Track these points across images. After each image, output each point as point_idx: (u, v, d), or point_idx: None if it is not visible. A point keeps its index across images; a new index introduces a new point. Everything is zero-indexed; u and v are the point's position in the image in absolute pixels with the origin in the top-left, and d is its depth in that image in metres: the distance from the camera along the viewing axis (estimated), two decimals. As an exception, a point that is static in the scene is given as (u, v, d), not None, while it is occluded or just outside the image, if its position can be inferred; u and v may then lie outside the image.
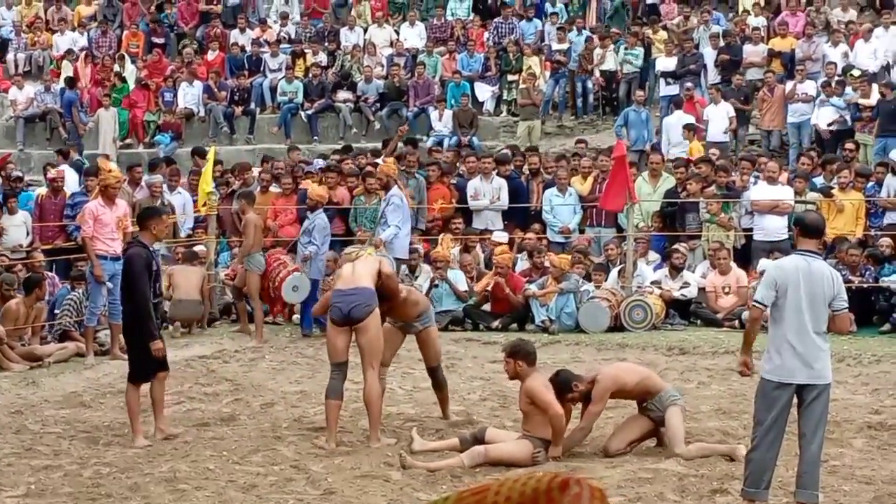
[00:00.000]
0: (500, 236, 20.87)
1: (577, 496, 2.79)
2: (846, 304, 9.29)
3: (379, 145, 25.98)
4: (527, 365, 11.05)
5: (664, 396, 11.20)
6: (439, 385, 12.59)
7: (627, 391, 11.32)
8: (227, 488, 10.04)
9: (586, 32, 29.04)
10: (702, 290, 19.32)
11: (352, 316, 11.31)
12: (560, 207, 21.38)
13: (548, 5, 30.82)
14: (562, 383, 10.98)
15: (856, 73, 25.07)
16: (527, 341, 11.75)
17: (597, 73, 28.27)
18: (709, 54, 27.29)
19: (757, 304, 9.26)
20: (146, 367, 11.89)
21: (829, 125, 24.19)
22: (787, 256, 9.91)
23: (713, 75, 27.04)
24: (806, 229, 9.39)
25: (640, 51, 27.83)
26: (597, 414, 11.22)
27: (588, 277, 19.38)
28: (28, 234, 20.42)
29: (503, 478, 3.04)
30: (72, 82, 30.01)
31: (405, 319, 12.31)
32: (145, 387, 11.99)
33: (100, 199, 16.31)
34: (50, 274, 18.85)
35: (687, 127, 24.10)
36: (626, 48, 27.89)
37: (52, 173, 21.63)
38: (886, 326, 18.06)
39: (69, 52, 31.80)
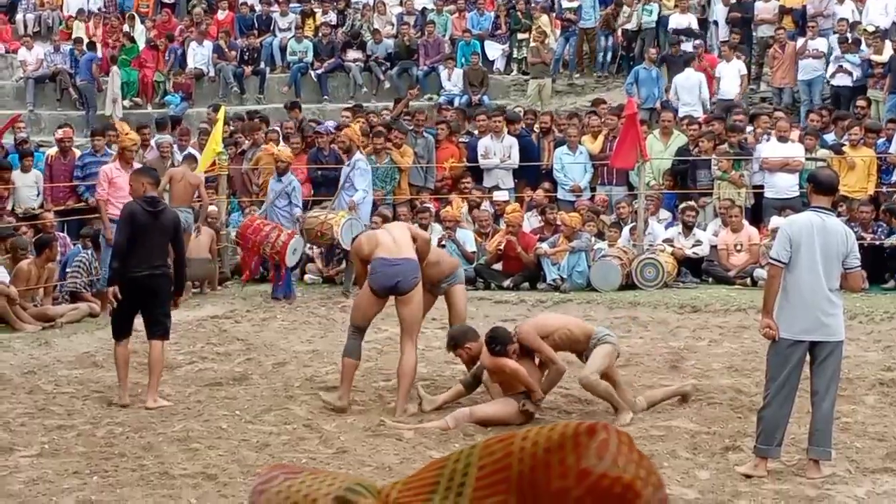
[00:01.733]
0: (501, 195, 20.82)
1: (605, 441, 2.78)
2: (859, 262, 9.26)
3: (390, 104, 25.96)
4: (475, 344, 11.10)
5: (594, 339, 11.14)
6: None
7: (553, 339, 11.13)
8: (239, 447, 10.07)
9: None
10: (713, 247, 19.29)
11: (399, 288, 11.13)
12: (571, 166, 21.34)
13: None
14: (502, 338, 10.91)
15: (869, 28, 24.93)
16: (456, 328, 11.83)
17: (619, 32, 28.17)
18: (720, 11, 27.16)
19: (774, 262, 9.22)
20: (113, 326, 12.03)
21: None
22: (800, 213, 9.88)
23: (724, 32, 26.91)
24: (820, 186, 9.36)
25: (654, 6, 27.68)
26: (550, 356, 11.06)
27: (601, 236, 19.36)
28: (39, 193, 20.41)
29: (530, 427, 3.02)
30: (90, 44, 29.96)
31: (430, 281, 12.11)
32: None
33: (116, 161, 16.36)
34: (61, 234, 18.83)
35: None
36: (641, 4, 27.76)
37: (59, 133, 21.58)
38: (891, 283, 18.03)
39: (80, 12, 31.73)
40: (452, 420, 10.66)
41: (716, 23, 27.23)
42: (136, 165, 16.06)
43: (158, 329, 11.88)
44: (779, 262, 9.15)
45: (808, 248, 9.03)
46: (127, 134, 16.47)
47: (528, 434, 2.96)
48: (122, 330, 11.89)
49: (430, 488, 2.95)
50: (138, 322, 12.07)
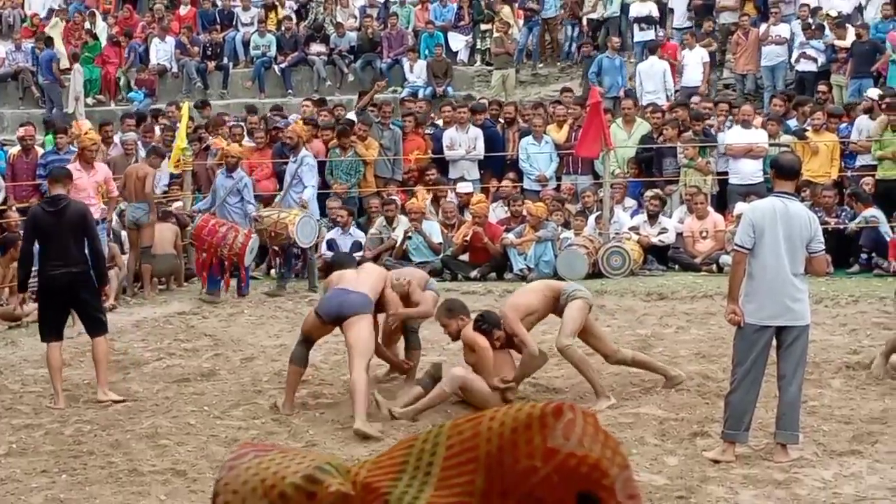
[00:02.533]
0: (465, 186, 20.80)
1: (571, 421, 2.80)
2: (823, 247, 9.30)
3: (354, 98, 25.92)
4: (466, 322, 11.10)
5: (563, 295, 11.22)
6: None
7: (539, 308, 11.25)
8: (208, 443, 10.06)
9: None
10: (679, 235, 19.36)
11: (342, 313, 10.76)
12: (536, 156, 21.36)
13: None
14: (492, 320, 10.95)
15: (832, 13, 25.04)
16: (453, 298, 11.88)
17: (584, 21, 28.20)
18: (681, -1, 27.27)
19: (738, 248, 9.25)
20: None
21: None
22: (763, 199, 9.91)
23: (682, 20, 27.01)
24: (782, 171, 9.39)
25: (615, -4, 27.74)
26: (526, 340, 11.12)
27: (567, 225, 19.39)
28: (1, 191, 20.32)
29: (496, 408, 3.04)
30: (48, 39, 29.80)
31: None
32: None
33: (77, 162, 15.91)
34: (25, 233, 18.74)
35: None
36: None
37: (21, 131, 21.47)
38: (855, 268, 18.15)
39: (52, 11, 31.59)
40: (448, 385, 10.73)
41: (672, 10, 27.26)
42: (100, 167, 15.94)
43: (94, 325, 11.87)
44: (743, 248, 9.18)
45: (772, 233, 9.06)
46: (86, 133, 16.17)
47: (495, 414, 2.98)
48: (49, 332, 11.80)
49: (398, 467, 2.97)
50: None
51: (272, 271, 19.31)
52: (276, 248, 18.23)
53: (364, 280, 11.24)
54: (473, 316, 11.27)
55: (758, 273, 9.11)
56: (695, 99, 23.13)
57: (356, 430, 10.20)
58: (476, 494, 2.84)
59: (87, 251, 11.73)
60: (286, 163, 20.92)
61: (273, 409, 11.18)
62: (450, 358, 12.88)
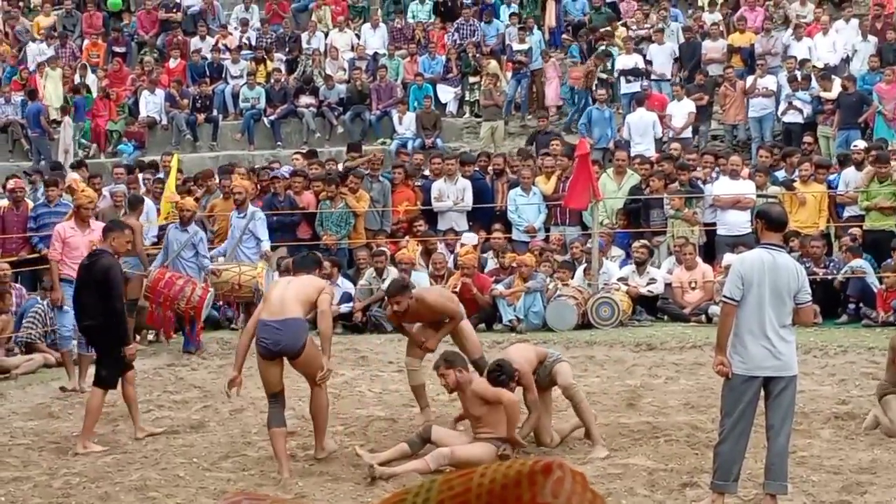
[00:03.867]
0: (470, 238, 20.80)
1: (560, 480, 2.83)
2: (810, 297, 9.35)
3: (343, 149, 25.99)
4: (465, 373, 11.08)
5: (550, 359, 11.49)
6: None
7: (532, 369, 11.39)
8: (197, 495, 10.05)
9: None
10: (668, 285, 19.40)
11: (283, 353, 10.82)
12: (525, 207, 21.43)
13: (503, 7, 30.78)
14: (501, 373, 10.96)
15: (818, 65, 25.23)
16: (452, 351, 11.90)
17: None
18: (655, 49, 27.36)
19: (727, 300, 9.29)
20: (116, 372, 12.16)
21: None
22: (751, 250, 9.95)
23: (665, 71, 27.17)
24: (770, 222, 9.43)
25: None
26: (537, 400, 11.22)
27: (552, 275, 19.41)
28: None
29: (488, 465, 3.08)
30: (31, 92, 29.86)
31: (425, 321, 12.50)
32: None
33: (72, 220, 15.43)
34: (16, 286, 18.75)
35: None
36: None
37: (10, 184, 21.49)
38: (843, 318, 18.20)
39: (41, 65, 31.63)
40: (433, 461, 10.60)
41: (650, 62, 27.39)
42: (96, 225, 15.36)
43: (95, 376, 12.44)
44: (731, 300, 9.22)
45: (760, 285, 9.10)
46: (83, 191, 15.84)
47: (486, 471, 3.00)
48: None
49: (390, 520, 2.98)
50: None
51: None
52: (236, 303, 18.27)
53: (290, 301, 10.95)
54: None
55: (745, 324, 9.15)
56: (674, 145, 23.28)
57: (318, 457, 10.94)
58: (465, 551, 2.86)
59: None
60: (277, 214, 21.01)
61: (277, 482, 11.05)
62: (439, 409, 12.90)
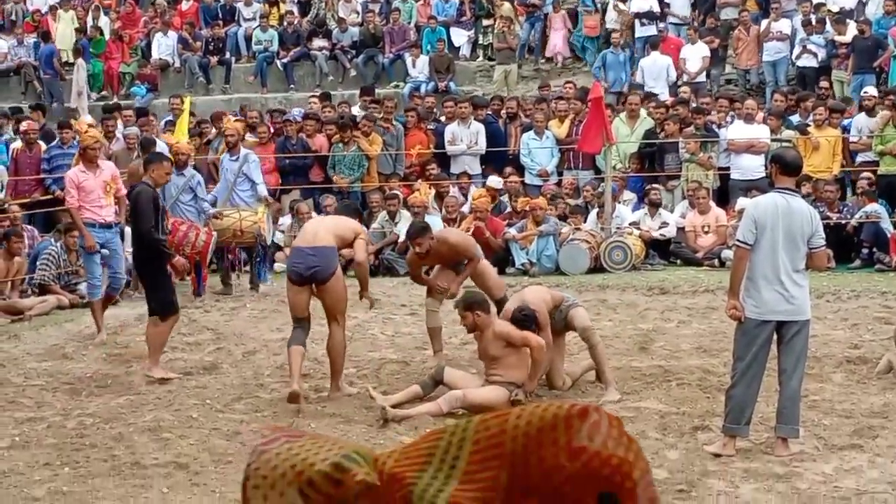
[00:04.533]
0: (495, 181, 20.73)
1: (596, 424, 2.82)
2: (824, 242, 9.32)
3: (356, 92, 25.91)
4: (484, 313, 11.07)
5: (564, 306, 11.50)
6: None
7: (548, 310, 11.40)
8: (210, 436, 10.08)
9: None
10: (681, 229, 19.37)
11: (314, 278, 11.13)
12: (538, 151, 21.38)
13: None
14: (527, 319, 10.96)
15: (833, 9, 25.06)
16: (477, 292, 11.88)
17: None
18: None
19: (740, 244, 9.27)
20: (164, 301, 12.32)
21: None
22: (765, 194, 9.92)
23: (681, 14, 26.99)
24: (785, 166, 9.38)
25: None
26: (551, 342, 11.22)
27: (564, 219, 19.40)
28: (2, 188, 20.35)
29: (523, 406, 3.08)
30: (44, 34, 29.80)
31: (446, 263, 12.55)
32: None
33: (80, 164, 15.07)
34: (29, 227, 18.79)
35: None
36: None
37: (24, 126, 21.48)
38: (857, 263, 18.17)
39: (53, 7, 31.55)
40: (445, 403, 10.59)
41: (668, 5, 27.20)
42: (106, 165, 15.30)
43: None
44: (745, 244, 9.20)
45: (773, 229, 9.08)
46: (86, 132, 15.48)
47: (522, 413, 3.00)
48: None
49: (424, 459, 2.98)
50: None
51: (276, 265, 19.21)
52: (238, 248, 18.14)
53: (323, 231, 11.39)
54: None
55: (758, 268, 9.13)
56: (683, 89, 23.20)
57: (331, 397, 11.17)
58: (499, 490, 2.87)
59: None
60: (290, 157, 20.97)
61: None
62: (451, 352, 12.93)
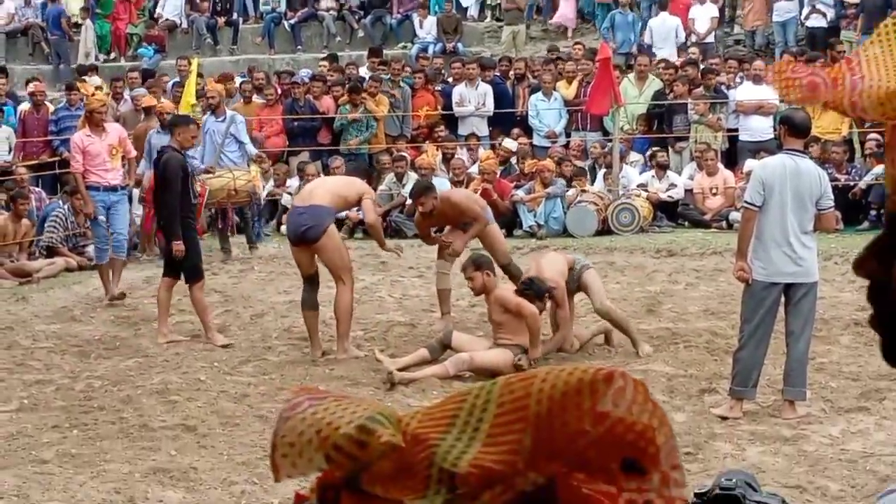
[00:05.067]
0: (510, 144, 20.69)
1: (622, 389, 2.82)
2: (832, 203, 9.32)
3: (364, 54, 25.84)
4: (492, 277, 11.09)
5: (576, 268, 11.48)
6: (514, 279, 12.25)
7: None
8: (218, 399, 10.11)
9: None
10: (689, 191, 19.33)
11: (306, 237, 11.30)
12: (545, 112, 21.33)
13: None
14: (538, 291, 10.95)
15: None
16: (484, 253, 11.87)
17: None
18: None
19: (748, 206, 9.27)
20: (191, 266, 12.41)
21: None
22: (773, 156, 9.90)
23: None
24: (794, 128, 9.35)
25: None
26: (567, 317, 11.27)
27: (570, 181, 19.34)
28: (10, 150, 20.34)
29: (548, 369, 3.08)
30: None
31: (453, 223, 12.59)
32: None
33: (86, 127, 14.68)
34: (36, 189, 18.79)
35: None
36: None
37: (31, 87, 21.45)
38: (865, 225, 18.12)
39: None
40: (452, 366, 10.60)
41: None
42: (112, 127, 15.10)
43: None
44: (752, 205, 9.19)
45: (782, 190, 9.06)
46: (93, 94, 15.54)
47: (547, 376, 2.98)
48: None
49: (449, 420, 2.97)
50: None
51: (282, 227, 19.16)
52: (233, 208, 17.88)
53: (319, 191, 11.64)
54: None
55: (767, 230, 9.12)
56: (692, 50, 23.13)
57: (338, 357, 11.33)
58: (523, 454, 2.85)
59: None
60: (297, 119, 20.93)
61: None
62: (459, 315, 12.94)
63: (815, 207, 9.13)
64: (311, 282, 11.63)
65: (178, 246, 12.18)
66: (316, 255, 11.46)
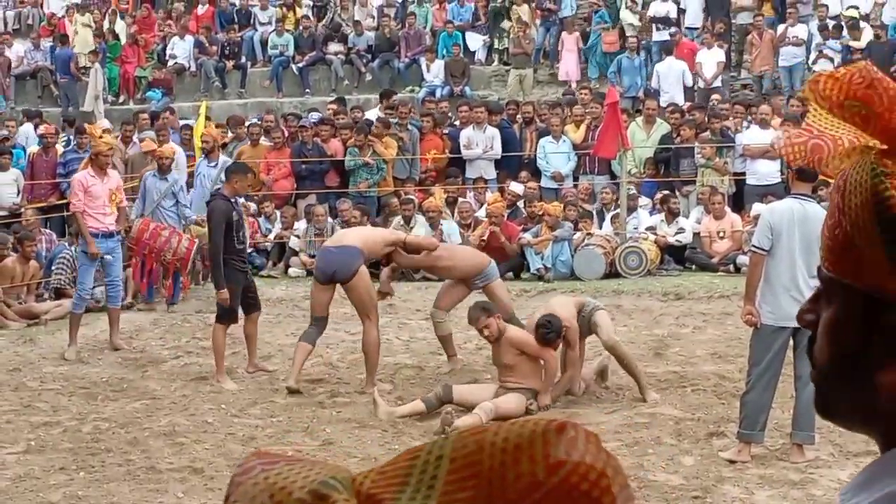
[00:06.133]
0: (516, 187, 20.74)
1: (573, 440, 2.82)
2: (840, 247, 9.24)
3: (372, 97, 25.94)
4: (501, 321, 11.07)
5: (586, 310, 11.44)
6: None
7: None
8: (226, 441, 10.10)
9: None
10: (696, 235, 19.34)
11: (336, 277, 11.57)
12: (554, 155, 21.38)
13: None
14: (558, 331, 10.93)
15: (852, 13, 25.00)
16: (484, 301, 11.90)
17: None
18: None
19: (756, 250, 9.27)
20: (227, 308, 12.55)
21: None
22: (781, 200, 9.91)
23: (695, 19, 26.94)
24: (801, 172, 9.33)
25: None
26: (577, 358, 11.25)
27: (577, 224, 19.35)
28: (18, 192, 20.41)
29: (499, 422, 3.09)
30: (62, 37, 29.88)
31: (457, 277, 12.64)
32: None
33: (89, 168, 14.56)
34: (47, 231, 18.83)
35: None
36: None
37: (41, 130, 21.53)
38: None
39: (70, 10, 31.61)
40: (483, 414, 10.49)
41: (683, 10, 27.18)
42: (113, 173, 15.01)
43: None
44: (760, 249, 9.19)
45: (789, 235, 9.07)
46: (101, 137, 15.20)
47: (499, 429, 2.98)
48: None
49: (401, 479, 2.96)
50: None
51: (290, 270, 19.24)
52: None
53: (352, 234, 12.12)
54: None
55: (774, 275, 9.12)
56: (715, 96, 23.22)
57: (366, 391, 11.47)
58: (478, 509, 2.86)
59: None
60: (304, 162, 20.99)
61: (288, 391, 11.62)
62: (466, 357, 12.93)
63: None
64: (318, 323, 11.88)
65: (222, 295, 12.39)
66: (337, 296, 11.70)
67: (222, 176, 17.51)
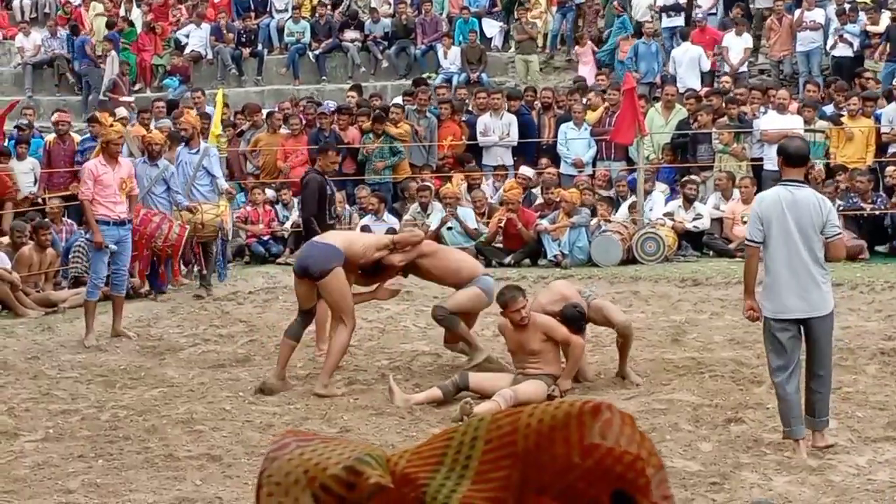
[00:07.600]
0: (527, 171, 20.72)
1: (609, 421, 2.82)
2: (838, 230, 9.05)
3: (388, 84, 25.93)
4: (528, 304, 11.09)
5: (584, 294, 11.51)
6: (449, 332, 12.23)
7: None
8: (243, 428, 10.11)
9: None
10: (714, 221, 19.30)
11: (309, 271, 11.36)
12: (574, 141, 21.34)
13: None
14: (577, 317, 10.96)
15: (868, -1, 24.92)
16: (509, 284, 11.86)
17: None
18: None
19: (749, 243, 9.16)
20: None
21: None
22: (768, 189, 9.78)
23: (709, 4, 26.84)
24: (788, 158, 9.18)
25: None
26: (583, 342, 11.22)
27: (594, 211, 19.34)
28: (35, 181, 20.44)
29: (534, 404, 3.07)
30: (73, 27, 29.92)
31: (448, 285, 12.51)
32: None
33: (100, 157, 14.48)
34: (67, 221, 18.85)
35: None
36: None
37: (55, 117, 21.54)
38: (885, 247, 18.05)
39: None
40: (502, 401, 10.47)
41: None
42: (125, 162, 14.89)
43: None
44: (753, 242, 9.09)
45: (780, 223, 8.92)
46: (111, 125, 15.04)
47: (534, 411, 2.99)
48: None
49: (437, 459, 2.98)
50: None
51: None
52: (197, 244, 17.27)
53: (339, 235, 12.04)
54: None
55: (773, 265, 8.99)
56: (725, 79, 23.14)
57: (315, 392, 11.20)
58: (512, 489, 2.87)
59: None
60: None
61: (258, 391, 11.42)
62: (485, 345, 12.89)
63: (821, 236, 8.99)
64: (305, 315, 11.77)
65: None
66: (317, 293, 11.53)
67: (204, 162, 17.52)
